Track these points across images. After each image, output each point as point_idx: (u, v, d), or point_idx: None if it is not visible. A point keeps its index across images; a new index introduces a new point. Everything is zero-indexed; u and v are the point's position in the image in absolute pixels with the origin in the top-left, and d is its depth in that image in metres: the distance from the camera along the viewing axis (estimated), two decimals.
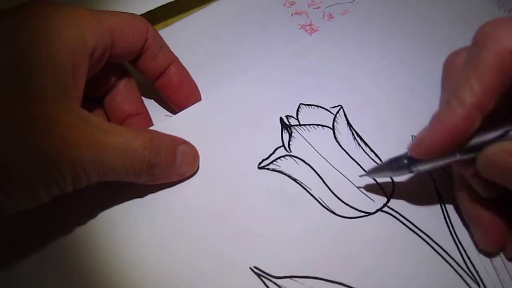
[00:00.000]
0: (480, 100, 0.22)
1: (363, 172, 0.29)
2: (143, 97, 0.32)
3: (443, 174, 0.30)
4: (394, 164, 0.26)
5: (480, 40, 0.23)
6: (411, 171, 0.26)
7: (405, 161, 0.26)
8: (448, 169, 0.30)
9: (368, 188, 0.29)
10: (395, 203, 0.29)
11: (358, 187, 0.29)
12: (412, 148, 0.25)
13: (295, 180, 0.29)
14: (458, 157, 0.24)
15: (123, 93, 0.31)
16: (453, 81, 0.24)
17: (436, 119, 0.23)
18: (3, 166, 0.20)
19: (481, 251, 0.27)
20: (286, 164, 0.30)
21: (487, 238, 0.26)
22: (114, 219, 0.26)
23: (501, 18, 0.23)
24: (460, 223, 0.28)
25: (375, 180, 0.29)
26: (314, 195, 0.29)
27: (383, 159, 0.30)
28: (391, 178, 0.30)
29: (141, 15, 0.29)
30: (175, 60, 0.32)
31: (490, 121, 0.23)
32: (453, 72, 0.25)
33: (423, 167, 0.25)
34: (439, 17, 0.39)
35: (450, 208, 0.29)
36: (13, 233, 0.25)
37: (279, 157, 0.30)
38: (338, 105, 0.33)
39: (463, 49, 0.25)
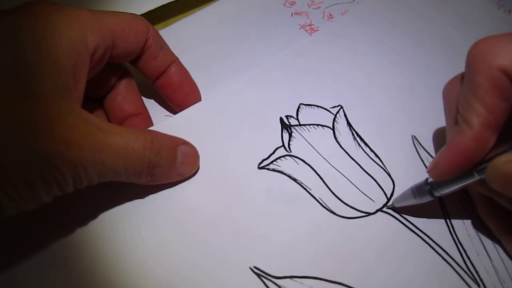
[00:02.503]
0: (487, 119, 0.23)
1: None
2: (143, 97, 0.32)
3: None
4: (416, 191, 0.27)
5: (470, 63, 0.24)
6: (433, 196, 0.26)
7: (426, 188, 0.26)
8: None
9: (368, 188, 0.29)
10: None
11: (358, 187, 0.29)
12: (430, 170, 0.25)
13: (295, 180, 0.29)
14: (477, 177, 0.24)
15: (123, 93, 0.31)
16: (455, 107, 0.25)
17: (449, 143, 0.24)
18: (3, 167, 0.20)
19: (481, 251, 0.27)
20: (286, 164, 0.30)
21: None
22: (114, 219, 0.27)
23: (485, 37, 0.24)
24: (460, 223, 0.28)
25: (375, 180, 0.30)
26: (314, 195, 0.29)
27: (383, 159, 0.31)
28: (392, 179, 0.30)
29: (141, 15, 0.29)
30: (175, 60, 0.32)
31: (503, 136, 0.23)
32: (452, 100, 0.26)
33: (444, 191, 0.26)
34: (439, 17, 0.39)
35: (450, 208, 0.29)
36: (13, 233, 0.25)
37: (279, 157, 0.30)
38: (338, 105, 0.33)
39: (458, 76, 0.26)
